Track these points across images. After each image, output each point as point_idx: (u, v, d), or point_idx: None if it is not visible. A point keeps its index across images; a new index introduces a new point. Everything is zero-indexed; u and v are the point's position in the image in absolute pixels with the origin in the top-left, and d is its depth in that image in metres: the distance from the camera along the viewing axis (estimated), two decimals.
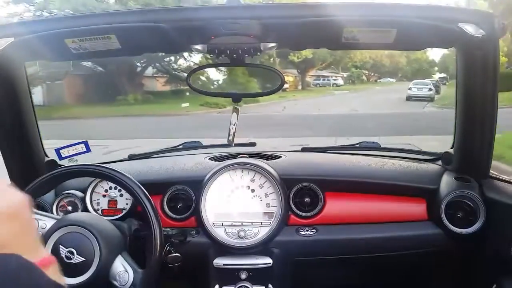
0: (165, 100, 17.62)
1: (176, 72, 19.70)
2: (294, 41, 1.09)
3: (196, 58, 16.69)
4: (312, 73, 30.11)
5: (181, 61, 18.95)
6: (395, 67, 39.81)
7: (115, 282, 1.00)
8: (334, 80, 31.79)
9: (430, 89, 18.80)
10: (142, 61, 17.52)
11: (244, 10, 1.00)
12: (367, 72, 38.39)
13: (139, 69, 18.45)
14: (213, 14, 0.99)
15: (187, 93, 18.88)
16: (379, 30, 0.99)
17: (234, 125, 1.26)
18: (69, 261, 0.98)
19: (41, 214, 1.06)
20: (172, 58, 17.79)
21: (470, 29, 0.97)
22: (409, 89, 19.00)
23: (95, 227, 1.02)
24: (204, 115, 14.57)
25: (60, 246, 0.99)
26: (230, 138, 1.29)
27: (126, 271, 1.01)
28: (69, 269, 0.98)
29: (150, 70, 19.82)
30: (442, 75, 32.25)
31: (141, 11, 1.00)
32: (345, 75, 34.52)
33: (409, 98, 18.50)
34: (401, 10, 0.99)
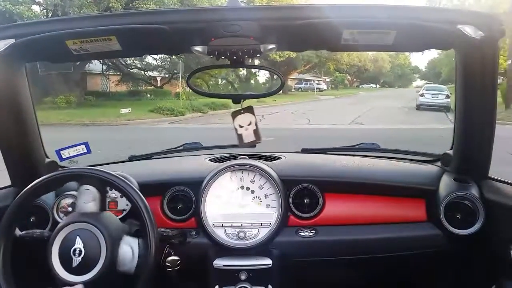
0: (112, 103, 14.96)
1: (129, 69, 17.38)
2: (293, 42, 1.09)
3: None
4: (293, 76, 28.08)
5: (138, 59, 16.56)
6: (378, 72, 38.85)
7: (124, 268, 1.02)
8: (318, 84, 30.50)
9: (448, 96, 15.21)
10: None
11: (244, 11, 1.00)
12: (349, 77, 37.67)
13: (79, 64, 14.79)
14: (214, 16, 1.00)
15: (148, 95, 17.84)
16: (379, 31, 0.99)
17: (250, 124, 1.25)
18: (77, 258, 0.99)
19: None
20: None
21: (469, 30, 0.98)
22: (421, 95, 16.12)
23: (98, 221, 1.03)
24: (150, 126, 11.63)
25: (66, 245, 1.00)
26: (250, 140, 1.26)
27: (131, 248, 1.03)
28: (78, 267, 0.99)
29: (98, 66, 16.79)
30: (423, 82, 30.36)
31: (142, 12, 1.01)
32: (327, 80, 33.25)
33: (420, 107, 15.88)
34: (400, 12, 1.00)
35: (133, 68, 17.67)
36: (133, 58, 15.08)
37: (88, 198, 1.07)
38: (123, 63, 16.66)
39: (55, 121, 10.62)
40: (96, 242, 1.01)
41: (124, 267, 1.02)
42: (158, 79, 20.47)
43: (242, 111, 1.23)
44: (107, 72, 18.31)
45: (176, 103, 14.85)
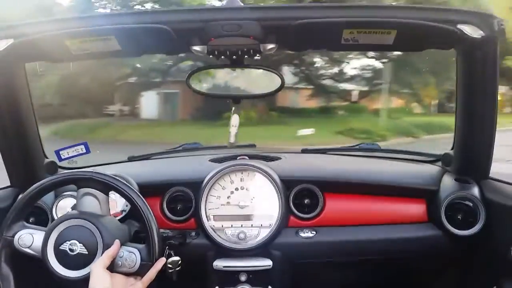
0: (295, 121, 11.19)
1: (320, 81, 13.55)
2: (293, 42, 1.09)
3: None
4: None
5: (334, 69, 12.97)
6: None
7: (122, 269, 1.01)
8: None
9: None
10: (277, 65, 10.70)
11: (244, 11, 1.00)
12: None
13: None
14: (213, 15, 0.99)
15: (340, 112, 13.84)
16: (379, 31, 0.99)
17: (234, 126, 1.26)
18: (73, 253, 1.00)
19: (31, 228, 1.07)
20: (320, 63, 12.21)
21: (469, 30, 0.97)
22: None
23: (97, 220, 1.03)
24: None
25: (63, 238, 1.01)
26: (231, 140, 1.28)
27: (133, 252, 1.03)
28: (73, 262, 0.99)
29: (289, 78, 12.89)
30: None
31: (141, 12, 1.01)
32: None
33: None
34: (401, 12, 0.99)
35: (325, 79, 13.92)
36: (325, 69, 13.00)
37: (90, 204, 1.07)
38: (315, 73, 13.42)
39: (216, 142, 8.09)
40: (92, 238, 1.01)
41: (123, 269, 1.02)
42: (354, 92, 15.57)
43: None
44: (297, 86, 14.21)
45: (374, 122, 10.97)
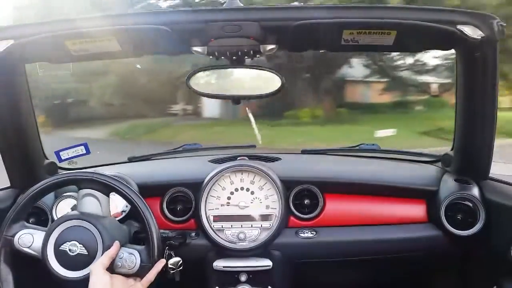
0: (370, 118, 9.90)
1: (397, 73, 11.69)
2: (293, 43, 1.09)
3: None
4: None
5: (411, 59, 10.94)
6: None
7: (121, 270, 1.01)
8: None
9: None
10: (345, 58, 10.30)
11: (244, 12, 1.00)
12: None
13: (343, 68, 11.22)
14: (213, 16, 1.00)
15: (418, 107, 12.24)
16: (379, 32, 0.99)
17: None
18: (73, 254, 1.00)
19: (31, 228, 1.07)
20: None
21: (469, 31, 0.97)
22: None
23: (97, 221, 1.03)
24: None
25: (64, 239, 1.01)
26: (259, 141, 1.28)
27: (132, 254, 1.03)
28: (73, 262, 0.99)
29: (359, 71, 11.72)
30: None
31: (141, 13, 1.01)
32: None
33: None
34: (401, 12, 1.00)
35: (402, 70, 11.93)
36: (403, 59, 11.02)
37: (90, 205, 1.07)
38: (390, 64, 11.72)
39: (288, 145, 6.91)
40: (92, 239, 1.01)
41: (123, 270, 1.02)
42: (434, 85, 13.28)
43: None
44: (369, 79, 12.52)
45: None
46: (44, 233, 1.04)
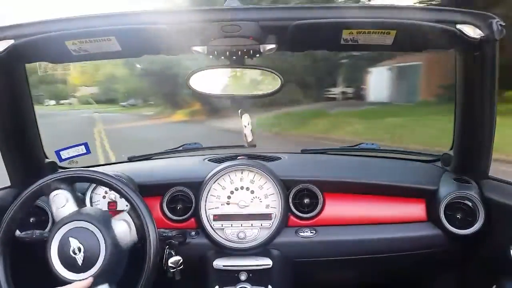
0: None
1: None
2: (293, 42, 1.09)
3: None
4: None
5: None
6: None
7: (125, 242, 1.04)
8: None
9: None
10: None
11: (244, 12, 1.00)
12: None
13: None
14: (213, 16, 1.00)
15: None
16: (378, 32, 0.99)
17: (247, 126, 1.26)
18: (75, 256, 1.00)
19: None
20: None
21: (468, 30, 0.97)
22: None
23: (98, 221, 1.03)
24: None
25: (69, 239, 1.01)
26: (248, 139, 1.28)
27: (126, 222, 1.05)
28: (74, 265, 0.99)
29: None
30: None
31: (141, 13, 1.01)
32: None
33: None
34: (400, 12, 1.00)
35: None
36: None
37: (61, 202, 1.07)
38: None
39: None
40: (94, 240, 1.01)
41: (125, 241, 1.04)
42: None
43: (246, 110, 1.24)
44: None
45: None
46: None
